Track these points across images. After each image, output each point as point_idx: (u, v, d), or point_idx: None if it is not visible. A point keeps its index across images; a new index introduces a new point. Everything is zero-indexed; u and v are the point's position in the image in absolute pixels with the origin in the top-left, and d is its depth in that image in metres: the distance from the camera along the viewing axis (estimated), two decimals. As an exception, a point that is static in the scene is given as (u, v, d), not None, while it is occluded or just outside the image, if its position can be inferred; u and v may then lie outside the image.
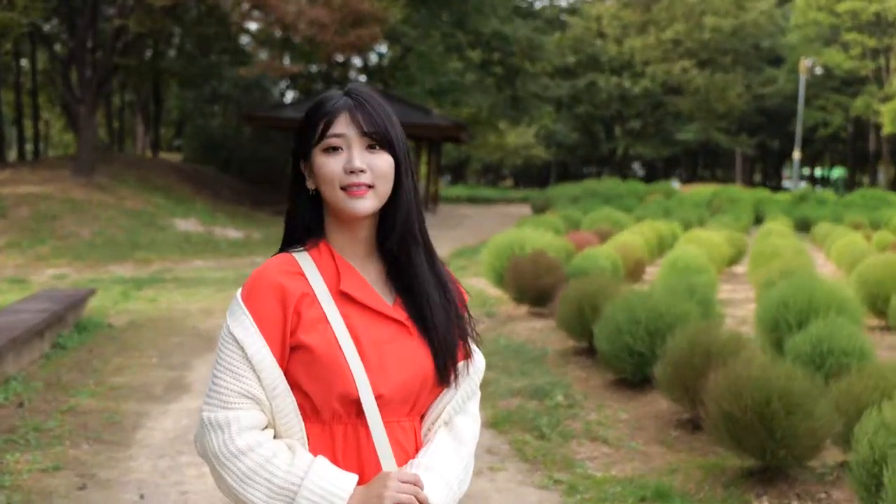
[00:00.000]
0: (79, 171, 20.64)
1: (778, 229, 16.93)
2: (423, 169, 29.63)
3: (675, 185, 51.48)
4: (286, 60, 25.31)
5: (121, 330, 8.89)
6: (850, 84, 48.21)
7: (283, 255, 1.69)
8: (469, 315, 1.79)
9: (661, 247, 15.24)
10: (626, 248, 12.22)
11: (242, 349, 1.59)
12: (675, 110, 45.43)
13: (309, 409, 1.63)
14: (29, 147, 33.38)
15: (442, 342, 1.68)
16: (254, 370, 1.59)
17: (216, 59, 27.61)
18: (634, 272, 11.76)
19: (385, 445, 1.61)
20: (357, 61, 30.30)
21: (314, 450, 1.61)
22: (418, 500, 1.57)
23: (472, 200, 39.00)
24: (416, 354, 1.66)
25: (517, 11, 25.51)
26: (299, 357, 1.61)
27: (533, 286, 9.58)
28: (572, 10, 43.18)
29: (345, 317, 1.62)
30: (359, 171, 1.61)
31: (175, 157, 36.68)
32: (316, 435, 1.63)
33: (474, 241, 19.49)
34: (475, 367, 1.79)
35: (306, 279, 1.64)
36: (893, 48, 45.79)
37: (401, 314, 1.68)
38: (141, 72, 27.23)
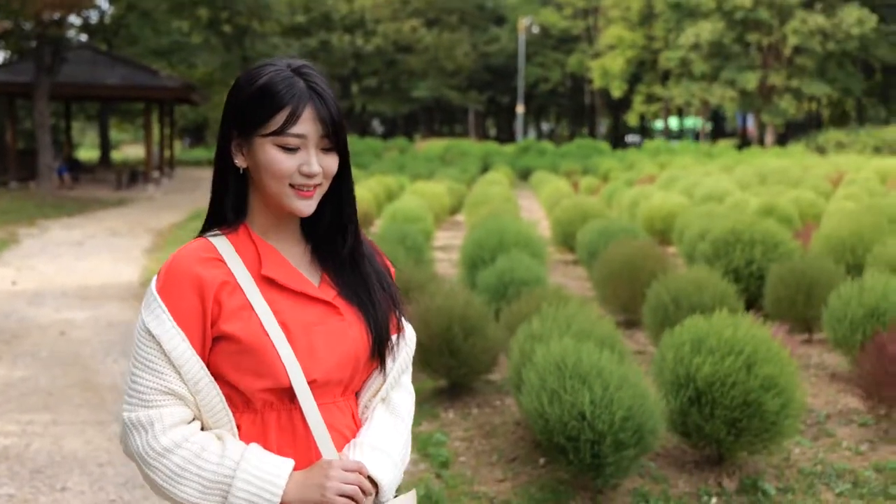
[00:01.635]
0: None
1: (497, 179, 18.23)
2: (155, 132, 28.68)
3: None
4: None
5: None
6: (566, 42, 51.81)
7: (200, 240, 1.57)
8: (396, 287, 1.71)
9: (391, 199, 15.97)
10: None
11: (159, 344, 1.48)
12: (408, 68, 46.69)
13: (238, 399, 1.53)
14: None
15: (381, 317, 1.61)
16: (173, 366, 1.48)
17: None
18: (363, 223, 12.30)
19: (322, 431, 1.52)
20: (76, 20, 28.65)
21: (246, 439, 1.52)
22: (362, 489, 1.49)
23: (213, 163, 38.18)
24: (346, 334, 1.57)
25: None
26: (223, 348, 1.50)
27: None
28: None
29: (270, 302, 1.52)
30: (312, 175, 1.51)
31: None
32: (248, 424, 1.54)
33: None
34: (407, 341, 1.72)
35: (226, 265, 1.52)
36: (600, 8, 49.65)
37: (328, 293, 1.59)
38: None
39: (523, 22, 44.46)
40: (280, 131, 1.48)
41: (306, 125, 1.49)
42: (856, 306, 5.60)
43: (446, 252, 12.01)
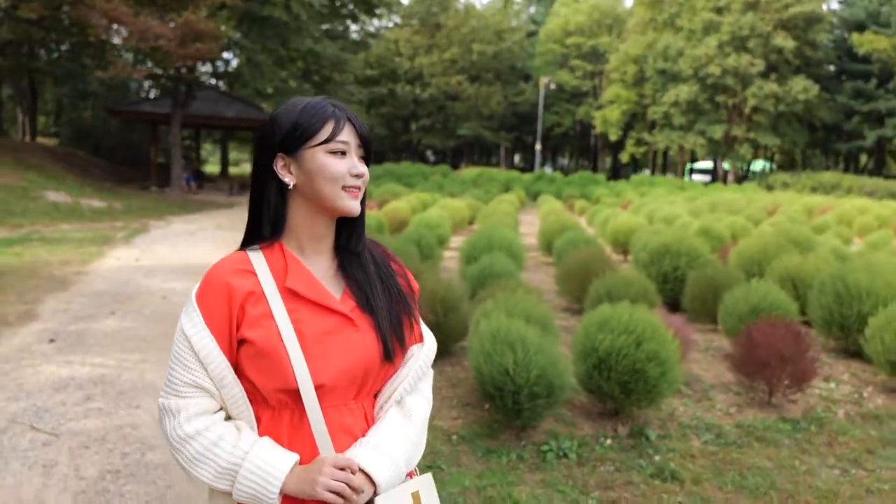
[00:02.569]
0: (-41, 152, 18.96)
1: (509, 199, 18.25)
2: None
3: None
4: (149, 64, 24.13)
5: (-12, 277, 8.63)
6: (576, 96, 51.48)
7: (239, 253, 1.43)
8: (413, 302, 1.52)
9: (424, 208, 16.12)
10: (394, 211, 12.96)
11: (190, 343, 1.36)
12: (454, 112, 46.80)
13: (258, 396, 1.39)
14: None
15: (385, 323, 1.43)
16: (201, 363, 1.36)
17: (85, 62, 25.87)
18: (398, 228, 12.51)
19: (322, 430, 1.36)
20: (207, 67, 29.30)
21: (264, 432, 1.38)
22: (351, 487, 1.32)
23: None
24: (359, 343, 1.40)
25: (328, 34, 25.63)
26: (245, 351, 1.36)
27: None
28: (376, 35, 43.38)
29: (291, 311, 1.37)
30: (361, 175, 1.40)
31: (52, 143, 34.01)
32: (267, 419, 1.39)
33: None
34: (426, 350, 1.53)
35: (256, 277, 1.38)
36: (604, 72, 49.26)
37: (347, 305, 1.42)
38: (15, 70, 25.07)
39: (543, 80, 44.33)
40: (330, 139, 1.38)
41: (348, 135, 1.39)
42: (742, 304, 5.64)
43: (457, 251, 12.13)
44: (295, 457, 1.34)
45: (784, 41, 39.84)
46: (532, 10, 61.97)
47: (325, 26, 25.51)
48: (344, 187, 1.38)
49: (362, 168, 1.40)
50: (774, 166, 48.07)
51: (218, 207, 20.37)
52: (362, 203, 1.43)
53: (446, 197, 18.94)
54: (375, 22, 39.03)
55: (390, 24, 47.06)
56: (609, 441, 4.09)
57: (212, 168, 43.01)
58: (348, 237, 1.45)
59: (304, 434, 1.36)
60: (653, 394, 4.07)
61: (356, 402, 1.42)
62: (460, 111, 45.77)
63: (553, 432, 4.13)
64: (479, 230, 9.15)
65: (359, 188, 1.40)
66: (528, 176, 38.41)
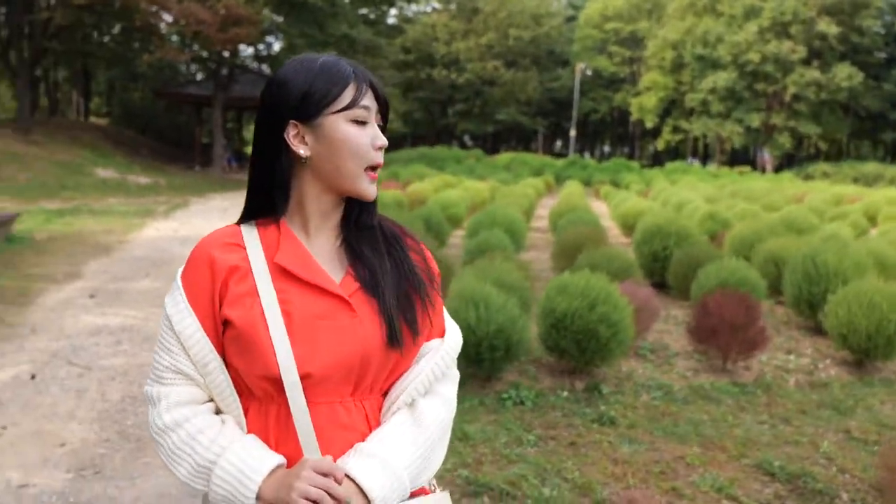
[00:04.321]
0: (19, 130, 20.14)
1: (533, 183, 18.62)
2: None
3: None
4: (195, 47, 25.02)
5: (41, 242, 9.45)
6: (613, 82, 51.20)
7: (230, 226, 1.26)
8: (432, 289, 1.29)
9: (446, 189, 16.60)
10: (416, 191, 13.49)
11: (171, 323, 1.20)
12: (491, 98, 47.03)
13: (243, 386, 1.20)
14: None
15: (391, 301, 1.21)
16: (182, 346, 1.19)
17: (133, 45, 26.92)
18: (417, 207, 13.04)
19: (307, 429, 1.16)
20: (250, 51, 30.14)
21: (251, 428, 1.20)
22: (332, 496, 1.09)
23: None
24: (356, 330, 1.18)
25: (364, 19, 26.19)
26: (228, 333, 1.18)
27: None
28: (412, 20, 43.69)
29: (280, 291, 1.18)
30: (384, 147, 1.21)
31: (103, 122, 35.40)
32: (254, 412, 1.20)
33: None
34: (448, 346, 1.29)
35: (244, 251, 1.21)
36: (642, 58, 48.88)
37: (348, 289, 1.21)
38: (70, 53, 26.25)
39: (579, 66, 44.27)
40: (352, 104, 1.17)
41: (369, 99, 1.20)
42: (712, 279, 6.03)
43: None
44: (278, 459, 1.14)
45: (828, 27, 39.00)
46: (572, -6, 61.59)
47: (362, 11, 26.03)
48: (367, 168, 1.19)
49: (384, 139, 1.21)
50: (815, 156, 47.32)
51: (256, 186, 21.18)
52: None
53: (473, 180, 19.38)
54: (413, 7, 39.39)
55: (428, 9, 47.41)
56: (565, 394, 4.57)
57: (254, 149, 44.06)
58: (359, 212, 1.25)
59: (289, 432, 1.17)
60: (604, 352, 4.53)
61: (354, 399, 1.20)
62: (497, 96, 45.97)
63: (515, 384, 4.62)
64: (487, 210, 9.64)
65: (380, 166, 1.22)
66: (560, 162, 38.48)
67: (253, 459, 1.13)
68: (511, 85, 44.67)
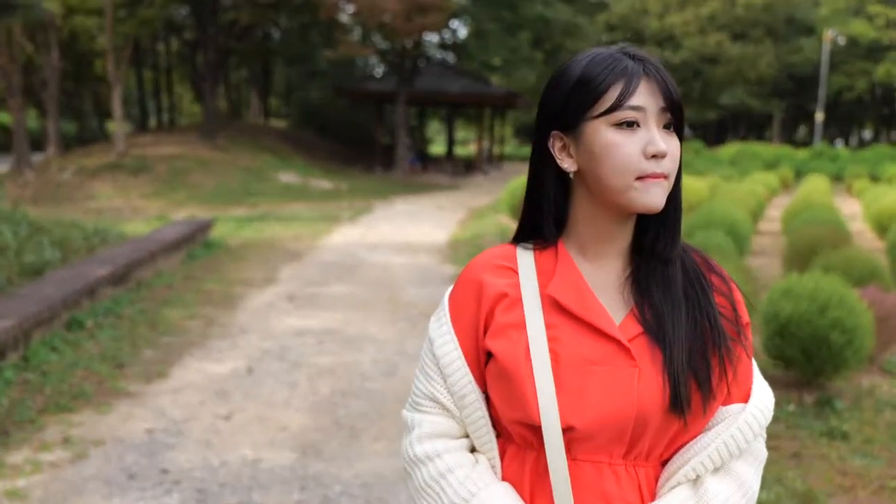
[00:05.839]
0: (204, 135, 23.14)
1: (763, 179, 18.16)
2: (496, 132, 31.27)
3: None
4: (375, 40, 27.08)
5: (235, 248, 11.04)
6: (873, 51, 47.53)
7: (506, 245, 1.27)
8: (745, 340, 1.22)
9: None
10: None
11: (432, 347, 1.24)
12: (713, 78, 45.71)
13: (501, 426, 1.22)
14: (165, 116, 36.19)
15: (681, 358, 1.15)
16: (441, 372, 1.23)
17: (314, 41, 29.63)
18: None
19: (563, 489, 1.14)
20: (433, 38, 31.91)
21: (506, 474, 1.21)
22: None
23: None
24: (633, 384, 1.14)
25: (561, -3, 26.88)
26: (490, 367, 1.19)
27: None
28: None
29: (550, 326, 1.17)
30: (662, 155, 1.13)
31: (282, 124, 39.11)
32: (510, 456, 1.22)
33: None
34: (751, 414, 1.20)
35: (516, 276, 1.21)
36: (915, 18, 44.94)
37: (630, 332, 1.17)
38: (252, 53, 29.48)
39: (829, 34, 41.71)
40: (615, 106, 1.13)
41: (643, 97, 1.14)
42: None
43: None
44: None
45: None
46: (820, -55, 58.13)
47: (559, -13, 26.77)
48: (639, 177, 1.13)
49: (662, 145, 1.13)
50: None
51: (440, 189, 22.52)
52: (676, 191, 1.19)
53: (691, 177, 19.22)
54: (619, -22, 39.63)
55: (637, -21, 47.20)
56: (792, 406, 4.80)
57: (437, 149, 46.38)
58: (655, 237, 1.21)
59: (549, 487, 1.16)
60: (836, 361, 4.72)
61: (626, 464, 1.18)
62: (721, 76, 44.65)
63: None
64: (703, 208, 9.80)
65: (664, 175, 1.14)
66: (802, 152, 36.57)
67: None
68: (739, 62, 43.22)
